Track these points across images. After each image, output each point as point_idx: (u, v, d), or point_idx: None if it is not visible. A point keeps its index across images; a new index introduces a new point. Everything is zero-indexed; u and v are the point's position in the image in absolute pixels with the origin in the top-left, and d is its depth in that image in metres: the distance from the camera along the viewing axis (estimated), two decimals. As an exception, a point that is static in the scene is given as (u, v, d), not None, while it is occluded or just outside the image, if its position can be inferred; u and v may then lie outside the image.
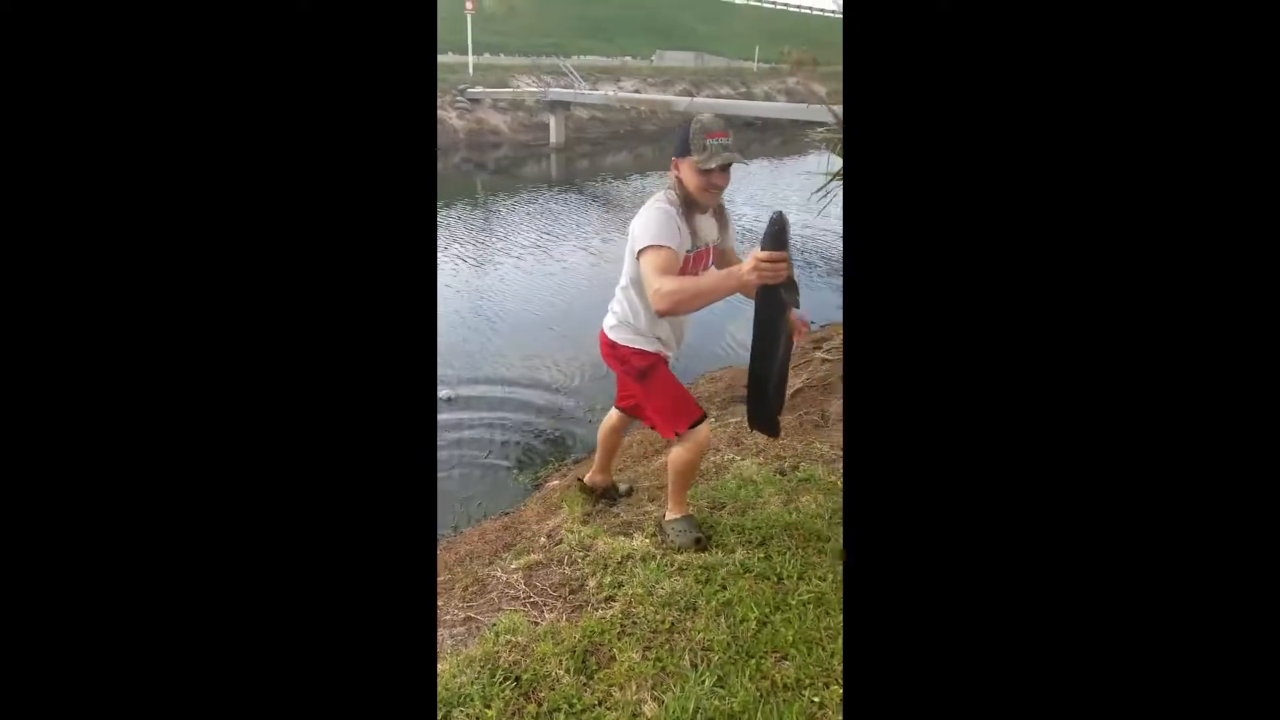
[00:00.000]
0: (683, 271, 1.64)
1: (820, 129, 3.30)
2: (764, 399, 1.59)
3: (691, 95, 17.14)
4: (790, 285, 1.40)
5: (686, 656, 1.45)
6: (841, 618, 1.53)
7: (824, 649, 1.44)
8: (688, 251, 1.66)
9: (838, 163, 2.93)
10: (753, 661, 1.42)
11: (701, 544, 1.83)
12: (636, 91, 17.07)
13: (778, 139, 12.37)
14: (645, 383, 1.82)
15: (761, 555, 1.78)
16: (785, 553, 1.78)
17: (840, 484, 2.11)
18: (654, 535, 1.93)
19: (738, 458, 2.46)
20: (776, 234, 1.33)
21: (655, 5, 28.49)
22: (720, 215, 1.79)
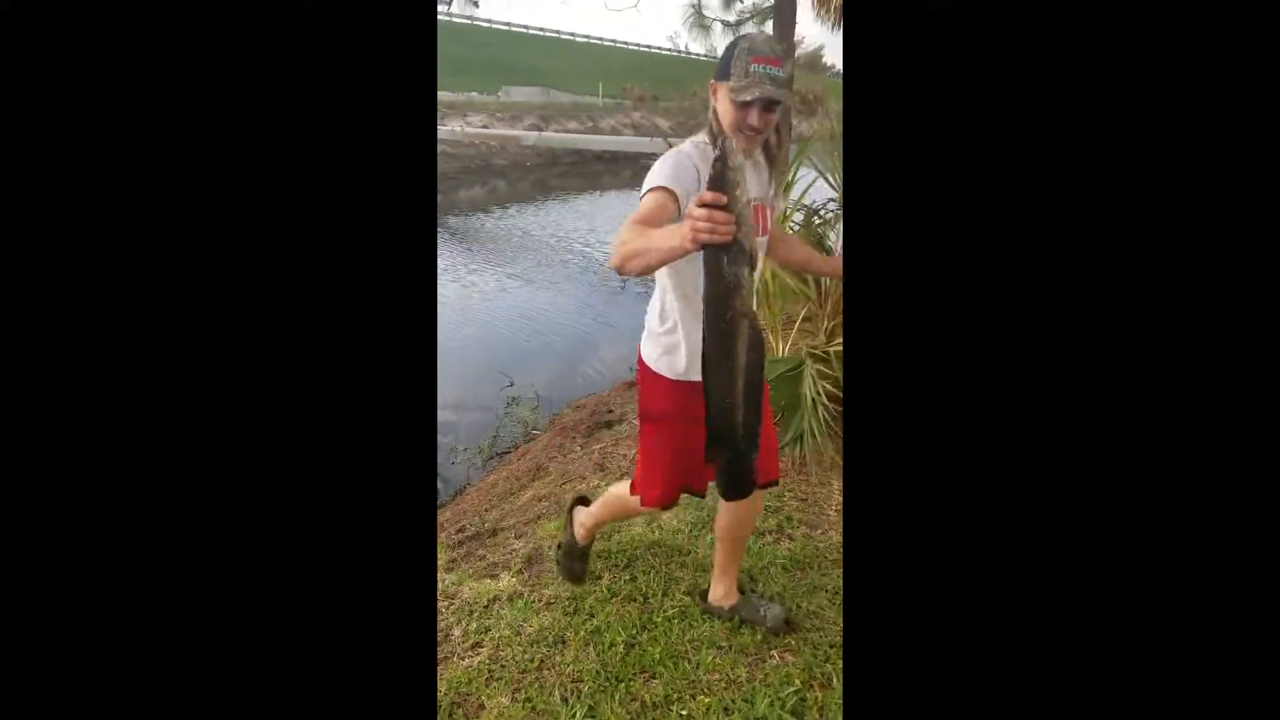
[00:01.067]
0: None
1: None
2: (730, 438, 1.05)
3: (540, 129, 17.30)
4: (738, 250, 0.92)
5: (556, 691, 1.43)
6: (706, 625, 1.58)
7: (689, 661, 1.48)
8: None
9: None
10: (621, 685, 1.43)
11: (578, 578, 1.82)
12: (485, 127, 16.98)
13: (629, 171, 12.80)
14: (645, 424, 1.45)
15: (627, 577, 1.80)
16: (649, 571, 1.82)
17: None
18: (521, 573, 1.90)
19: (603, 484, 2.48)
20: (718, 172, 0.90)
21: (498, 43, 28.64)
22: (761, 166, 1.33)
